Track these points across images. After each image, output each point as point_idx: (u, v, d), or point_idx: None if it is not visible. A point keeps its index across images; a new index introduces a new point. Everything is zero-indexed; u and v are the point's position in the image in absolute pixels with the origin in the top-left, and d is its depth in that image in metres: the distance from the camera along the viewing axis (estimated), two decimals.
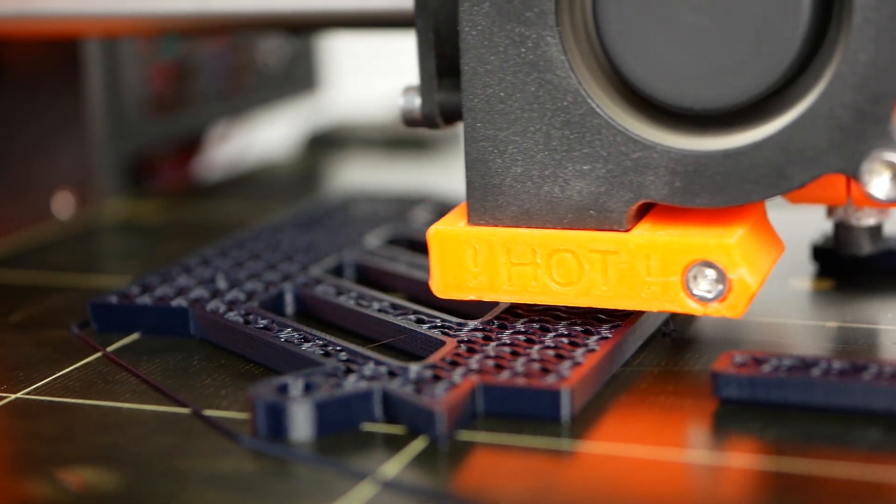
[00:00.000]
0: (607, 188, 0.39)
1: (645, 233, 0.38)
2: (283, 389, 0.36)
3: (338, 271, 0.49)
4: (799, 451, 0.34)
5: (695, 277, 0.38)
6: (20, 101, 0.64)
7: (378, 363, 0.38)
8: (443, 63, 0.42)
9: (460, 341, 0.40)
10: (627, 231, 0.39)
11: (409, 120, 0.43)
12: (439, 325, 0.41)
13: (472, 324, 0.41)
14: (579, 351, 0.38)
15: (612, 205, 0.39)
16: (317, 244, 0.51)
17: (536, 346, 0.39)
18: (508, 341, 0.40)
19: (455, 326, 0.41)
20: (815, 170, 0.37)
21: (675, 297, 0.38)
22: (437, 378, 0.37)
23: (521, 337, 0.40)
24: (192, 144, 0.75)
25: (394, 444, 0.35)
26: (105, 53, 0.65)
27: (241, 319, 0.43)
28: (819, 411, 0.36)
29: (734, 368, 0.37)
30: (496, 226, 0.40)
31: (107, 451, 0.36)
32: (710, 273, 0.38)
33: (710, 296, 0.38)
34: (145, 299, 0.45)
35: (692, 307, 0.38)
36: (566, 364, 0.37)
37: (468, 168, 0.40)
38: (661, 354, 0.41)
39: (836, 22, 0.37)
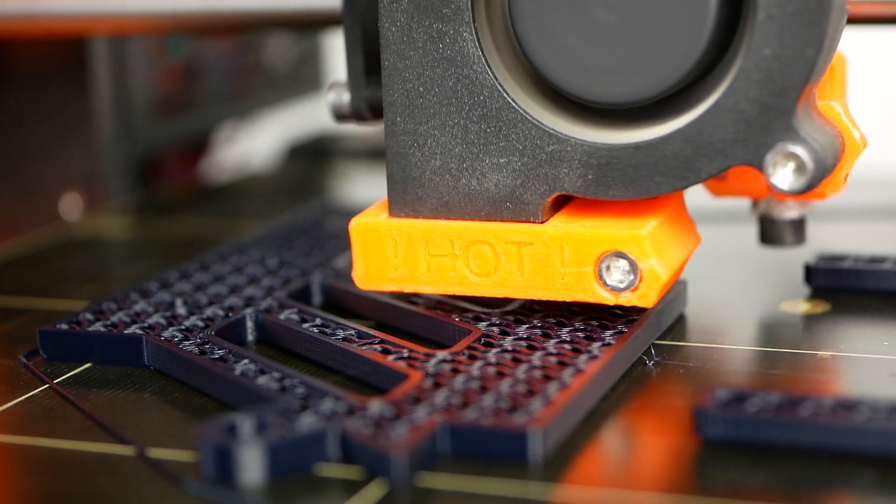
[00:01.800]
0: (523, 181, 0.39)
1: (559, 224, 0.39)
2: (232, 430, 0.34)
3: (305, 295, 0.46)
4: (786, 496, 0.32)
5: (608, 268, 0.39)
6: (28, 101, 0.64)
7: (337, 399, 0.36)
8: (371, 60, 0.43)
9: (427, 374, 0.37)
10: (543, 223, 0.39)
11: (338, 115, 0.44)
12: (406, 355, 0.39)
13: (440, 354, 0.39)
14: (553, 386, 0.36)
15: (528, 197, 0.39)
16: (285, 265, 0.48)
17: (507, 381, 0.36)
18: (478, 374, 0.37)
19: (423, 357, 0.39)
20: (723, 162, 0.37)
21: (588, 288, 0.39)
22: (397, 417, 0.34)
23: (492, 370, 0.37)
24: (199, 145, 0.74)
25: (350, 489, 0.33)
26: (113, 54, 0.65)
27: (196, 349, 0.40)
28: (808, 452, 0.33)
29: (718, 406, 0.34)
30: (416, 218, 0.41)
31: (41, 498, 0.34)
32: (623, 264, 0.39)
33: (622, 286, 0.39)
34: (97, 327, 0.42)
35: (605, 297, 0.39)
36: (537, 401, 0.35)
37: (389, 161, 0.41)
38: (643, 387, 0.38)
39: (743, 19, 0.38)
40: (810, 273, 0.46)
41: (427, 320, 0.42)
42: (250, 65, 0.76)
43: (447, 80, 0.39)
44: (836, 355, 0.40)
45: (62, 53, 0.63)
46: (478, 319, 0.41)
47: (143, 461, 0.35)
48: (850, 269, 0.46)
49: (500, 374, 0.37)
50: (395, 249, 0.41)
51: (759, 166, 0.37)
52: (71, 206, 0.64)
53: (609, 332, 0.40)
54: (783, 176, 0.37)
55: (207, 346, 0.40)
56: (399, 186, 0.41)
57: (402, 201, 0.41)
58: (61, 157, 0.64)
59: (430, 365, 0.38)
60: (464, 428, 0.34)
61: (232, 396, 0.38)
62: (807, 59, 0.36)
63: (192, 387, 0.40)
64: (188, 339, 0.41)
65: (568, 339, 0.39)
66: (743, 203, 0.52)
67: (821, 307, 0.45)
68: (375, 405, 0.35)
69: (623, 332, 0.40)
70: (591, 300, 0.39)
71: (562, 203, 0.40)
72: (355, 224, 0.41)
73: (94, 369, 0.42)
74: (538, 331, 0.40)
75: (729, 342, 0.42)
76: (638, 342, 0.40)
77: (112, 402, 0.39)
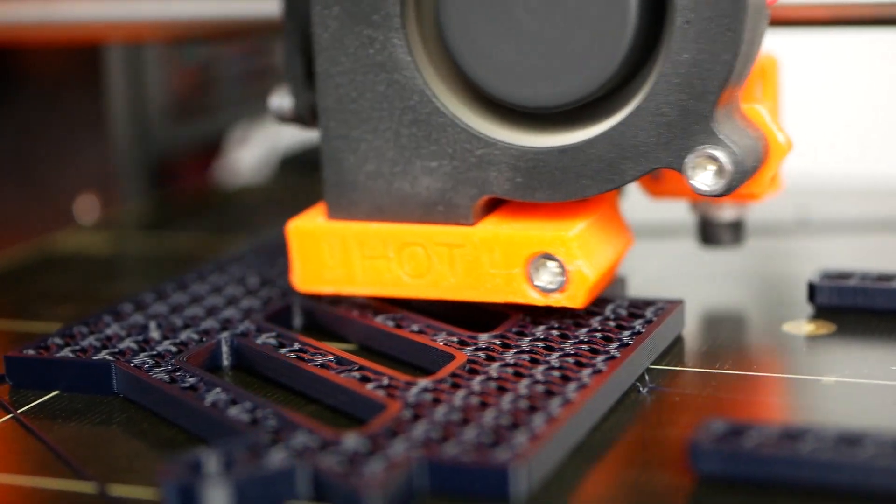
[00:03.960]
0: (454, 184, 0.40)
1: (489, 226, 0.40)
2: (197, 466, 0.32)
3: (285, 316, 0.44)
4: None
5: (537, 269, 0.39)
6: (43, 104, 0.64)
7: (309, 432, 0.34)
8: (312, 65, 0.43)
9: (406, 404, 0.35)
10: (473, 225, 0.40)
11: (281, 118, 0.44)
12: (385, 384, 0.37)
13: (422, 383, 0.37)
14: (539, 418, 0.34)
15: (459, 200, 0.40)
16: (267, 284, 0.46)
17: (491, 412, 0.34)
18: (460, 404, 0.35)
19: (403, 386, 0.37)
20: (646, 165, 0.38)
21: (517, 289, 0.40)
22: (372, 452, 0.32)
23: (475, 399, 0.35)
24: (213, 148, 0.74)
25: None
26: (127, 58, 0.65)
27: (166, 377, 0.38)
28: (810, 490, 0.31)
29: (713, 441, 0.32)
30: (351, 221, 0.41)
31: None
32: (552, 265, 0.39)
33: (551, 287, 0.39)
34: (66, 352, 0.40)
35: (535, 298, 0.39)
36: (522, 434, 0.33)
37: (324, 166, 0.41)
38: (636, 416, 0.36)
39: (664, 25, 0.38)
40: (814, 291, 0.44)
41: (410, 344, 0.40)
42: (263, 67, 0.76)
43: (378, 86, 0.40)
44: (840, 381, 0.38)
45: (77, 57, 0.64)
46: (463, 343, 0.40)
47: (103, 499, 0.33)
48: (857, 287, 0.44)
49: (484, 405, 0.35)
50: (332, 252, 0.41)
51: (680, 169, 0.38)
52: (86, 208, 0.64)
53: (601, 358, 0.38)
54: (703, 178, 0.38)
55: (178, 374, 0.38)
56: (335, 190, 0.41)
57: (338, 205, 0.41)
58: (76, 160, 0.65)
59: (411, 394, 0.36)
60: (443, 464, 0.32)
61: (201, 428, 0.36)
62: (724, 64, 0.37)
63: (161, 416, 0.38)
64: (159, 366, 0.39)
65: (557, 365, 0.37)
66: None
67: (825, 328, 0.43)
68: (350, 439, 0.33)
69: (616, 357, 0.38)
70: (522, 301, 0.40)
71: (494, 205, 0.41)
72: (292, 227, 0.42)
73: (62, 397, 0.40)
74: (526, 356, 0.38)
75: (728, 367, 0.40)
76: (631, 367, 0.38)
77: (77, 434, 0.37)
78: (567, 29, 0.38)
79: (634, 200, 0.50)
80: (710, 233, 0.46)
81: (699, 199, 0.46)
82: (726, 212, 0.46)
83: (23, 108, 0.65)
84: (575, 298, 0.39)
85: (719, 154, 0.37)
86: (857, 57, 0.83)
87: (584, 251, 0.39)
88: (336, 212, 0.41)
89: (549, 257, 0.39)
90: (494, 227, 0.40)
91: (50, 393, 0.40)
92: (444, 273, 0.40)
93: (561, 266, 0.39)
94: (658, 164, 0.38)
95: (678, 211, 0.48)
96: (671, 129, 0.38)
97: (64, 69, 0.64)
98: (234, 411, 0.35)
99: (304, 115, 0.44)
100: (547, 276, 0.39)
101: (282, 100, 0.44)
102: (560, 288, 0.39)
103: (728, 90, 0.37)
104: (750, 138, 0.39)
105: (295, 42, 0.43)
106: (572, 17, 0.38)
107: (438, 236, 0.40)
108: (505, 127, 0.40)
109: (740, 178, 0.37)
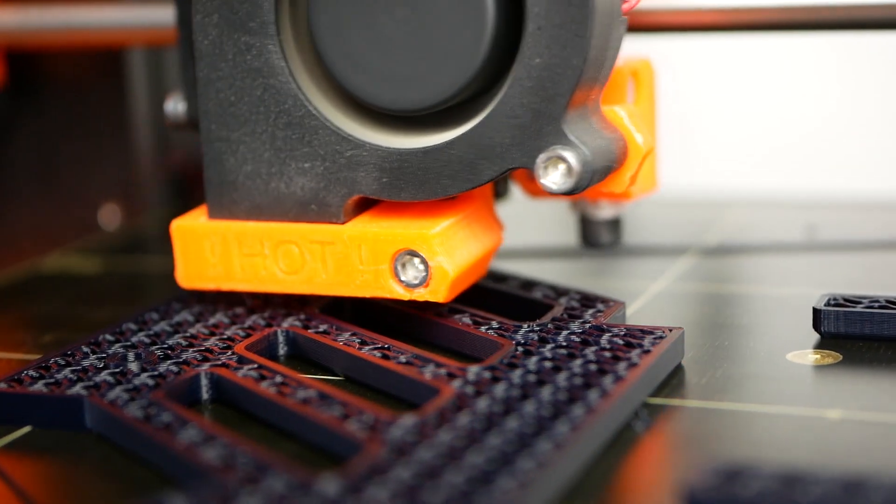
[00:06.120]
0: (326, 184, 0.42)
1: (358, 225, 0.42)
2: None
3: (270, 345, 0.43)
4: None
5: (403, 265, 0.41)
6: (66, 112, 0.65)
7: (283, 475, 0.32)
8: None
9: (387, 443, 0.33)
10: (344, 223, 0.42)
11: (176, 122, 0.46)
12: (366, 420, 0.35)
13: (405, 419, 0.35)
14: (527, 460, 0.32)
15: (331, 199, 0.42)
16: (253, 312, 0.45)
17: (476, 452, 0.33)
18: (445, 444, 0.33)
19: (384, 422, 0.35)
20: (501, 165, 0.40)
21: (384, 284, 0.41)
22: (349, 498, 0.31)
23: (461, 439, 0.33)
24: None
25: None
26: (150, 65, 0.65)
27: (140, 413, 0.37)
28: None
29: (710, 490, 0.30)
30: (232, 220, 0.43)
31: None
32: (416, 261, 0.41)
33: (416, 282, 0.41)
34: (40, 385, 0.39)
35: (400, 293, 0.41)
36: (507, 479, 0.31)
37: (206, 167, 0.43)
38: (631, 457, 0.35)
39: (522, 32, 0.39)
40: (819, 318, 0.42)
41: (396, 377, 0.39)
42: None
43: (255, 90, 0.42)
44: (846, 416, 0.36)
45: (99, 64, 0.64)
46: (452, 376, 0.38)
47: None
48: (864, 314, 0.42)
49: (469, 446, 0.33)
50: (213, 250, 0.43)
51: (533, 168, 0.39)
52: (110, 216, 0.64)
53: (595, 393, 0.36)
54: (552, 177, 0.39)
55: (153, 410, 0.37)
56: (216, 190, 0.43)
57: (219, 204, 0.43)
58: (99, 168, 0.65)
59: (393, 431, 0.34)
60: None
61: (174, 469, 0.34)
62: (574, 68, 0.38)
63: (135, 455, 0.36)
64: (134, 401, 0.37)
65: (548, 400, 0.36)
66: (742, 239, 0.49)
67: (831, 358, 0.41)
68: (324, 484, 0.31)
69: (610, 392, 0.36)
70: (389, 296, 0.41)
71: (368, 205, 0.43)
72: (175, 226, 0.43)
73: (35, 434, 0.38)
74: (516, 390, 0.36)
75: (728, 398, 0.38)
76: (627, 402, 0.36)
77: (46, 473, 0.36)
78: (428, 36, 0.40)
79: (637, 223, 0.49)
80: (588, 231, 0.48)
81: (576, 199, 0.47)
82: (604, 210, 0.48)
83: (45, 115, 0.65)
84: (437, 293, 0.41)
85: (567, 154, 0.39)
86: (857, 62, 0.81)
87: (445, 248, 0.41)
88: (217, 211, 0.43)
89: (413, 254, 0.41)
90: (362, 226, 0.42)
91: (22, 429, 0.38)
92: (317, 269, 0.42)
93: (424, 262, 0.40)
94: (513, 164, 0.39)
95: (679, 233, 0.46)
96: (524, 130, 0.39)
97: (86, 78, 0.64)
98: (207, 452, 0.34)
99: (196, 119, 0.44)
100: (412, 271, 0.41)
101: (176, 104, 0.46)
102: (423, 283, 0.40)
103: (580, 93, 0.39)
104: (603, 139, 0.40)
105: (186, 49, 0.44)
106: (432, 24, 0.40)
107: (311, 234, 0.42)
108: (373, 129, 0.42)
109: (589, 177, 0.39)
